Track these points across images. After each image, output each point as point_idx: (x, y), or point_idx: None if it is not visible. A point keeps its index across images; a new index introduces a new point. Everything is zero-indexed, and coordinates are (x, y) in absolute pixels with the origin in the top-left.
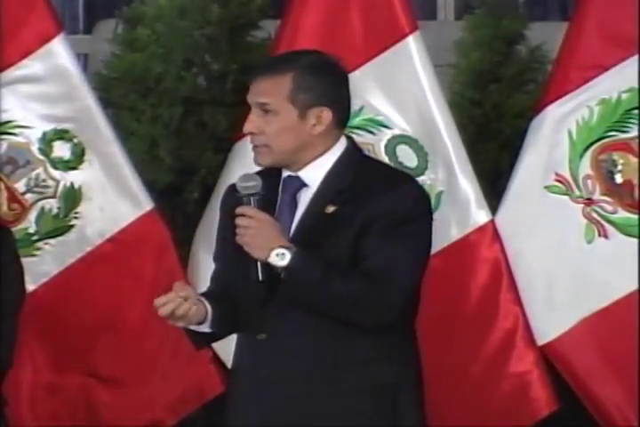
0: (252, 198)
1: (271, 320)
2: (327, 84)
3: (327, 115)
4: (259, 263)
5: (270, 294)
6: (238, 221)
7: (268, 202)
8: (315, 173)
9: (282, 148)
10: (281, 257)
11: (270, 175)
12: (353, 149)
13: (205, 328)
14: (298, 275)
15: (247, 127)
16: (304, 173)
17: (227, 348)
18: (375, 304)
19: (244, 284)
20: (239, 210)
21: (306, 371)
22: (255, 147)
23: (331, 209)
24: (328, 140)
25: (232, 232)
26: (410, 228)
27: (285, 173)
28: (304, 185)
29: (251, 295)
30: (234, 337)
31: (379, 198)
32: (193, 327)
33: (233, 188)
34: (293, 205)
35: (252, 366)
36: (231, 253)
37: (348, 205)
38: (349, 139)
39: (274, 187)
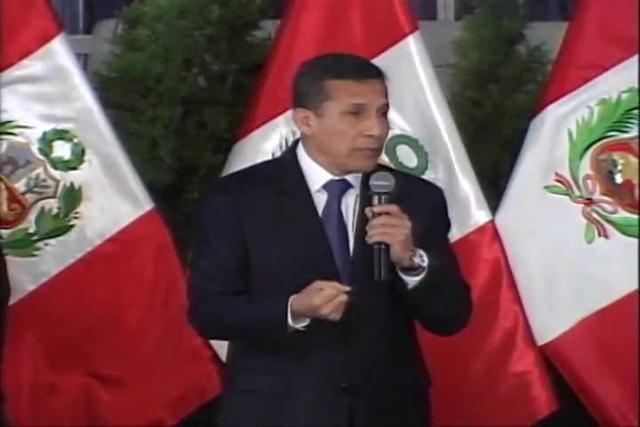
0: (382, 197)
1: (354, 325)
2: None
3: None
4: (382, 261)
5: (357, 300)
6: (385, 219)
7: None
8: (356, 176)
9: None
10: (420, 257)
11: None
12: None
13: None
14: (440, 273)
15: (379, 130)
16: (350, 176)
17: (226, 347)
18: (470, 307)
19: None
20: (381, 208)
21: (372, 372)
22: (371, 150)
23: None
24: None
25: (257, 235)
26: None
27: (327, 178)
28: (349, 186)
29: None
30: None
31: (425, 204)
32: (299, 326)
33: (230, 187)
34: (339, 207)
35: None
36: (273, 256)
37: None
38: None
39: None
